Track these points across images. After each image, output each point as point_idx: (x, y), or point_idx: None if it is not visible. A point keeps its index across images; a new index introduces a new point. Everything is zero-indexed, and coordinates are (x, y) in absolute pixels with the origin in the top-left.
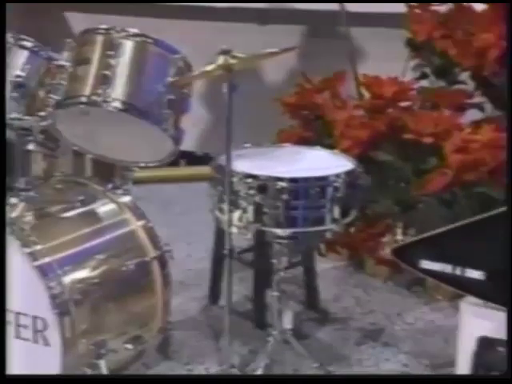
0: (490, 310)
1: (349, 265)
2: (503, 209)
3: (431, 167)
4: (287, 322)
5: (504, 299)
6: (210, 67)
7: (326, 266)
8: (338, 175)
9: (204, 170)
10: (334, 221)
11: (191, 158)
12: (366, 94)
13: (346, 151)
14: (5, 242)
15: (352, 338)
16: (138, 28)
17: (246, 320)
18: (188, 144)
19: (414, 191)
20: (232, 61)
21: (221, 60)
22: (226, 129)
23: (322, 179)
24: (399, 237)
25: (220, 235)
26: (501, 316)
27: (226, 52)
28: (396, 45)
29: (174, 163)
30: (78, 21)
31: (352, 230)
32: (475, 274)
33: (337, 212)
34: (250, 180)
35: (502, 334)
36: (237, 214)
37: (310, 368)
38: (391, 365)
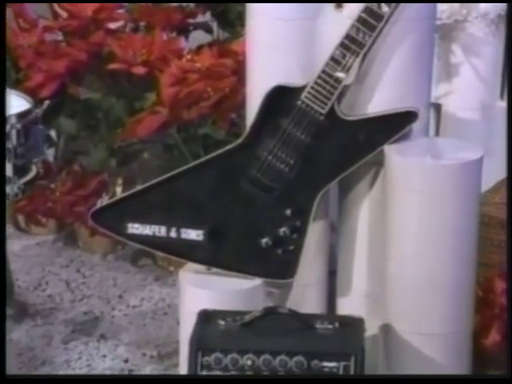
0: (213, 276)
1: (57, 239)
2: (219, 152)
3: (149, 105)
4: None
5: (228, 261)
6: None
7: (27, 244)
8: (5, 119)
9: None
10: (6, 181)
11: None
12: (64, 14)
13: (38, 87)
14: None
15: (58, 334)
16: None
17: None
18: None
19: (125, 136)
20: None
21: None
22: None
23: None
24: None
25: None
26: (226, 283)
27: None
28: None
29: None
30: None
31: (57, 192)
32: (193, 235)
33: (9, 169)
34: None
35: (225, 305)
36: None
37: None
38: (109, 362)
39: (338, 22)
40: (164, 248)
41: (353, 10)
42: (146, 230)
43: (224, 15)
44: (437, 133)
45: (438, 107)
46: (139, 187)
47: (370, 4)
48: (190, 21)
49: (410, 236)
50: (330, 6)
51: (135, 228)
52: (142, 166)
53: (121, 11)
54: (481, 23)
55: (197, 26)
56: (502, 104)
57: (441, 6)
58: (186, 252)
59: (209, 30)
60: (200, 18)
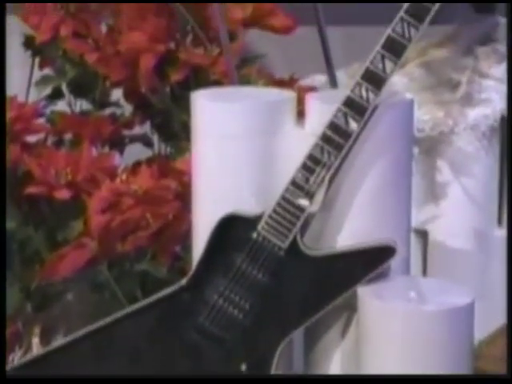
0: None
1: None
2: (159, 294)
3: (75, 236)
4: None
5: None
6: None
7: None
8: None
9: None
10: None
11: None
12: None
13: None
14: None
15: None
16: None
17: None
18: None
19: (44, 275)
20: None
21: None
22: None
23: None
24: (37, 350)
25: None
26: None
27: None
28: None
29: None
30: None
31: None
32: None
33: None
34: None
35: None
36: None
37: None
38: None
39: (300, 140)
40: None
41: (316, 127)
42: None
43: (166, 126)
44: (424, 265)
45: (423, 234)
46: (61, 340)
47: (335, 120)
48: (126, 132)
49: None
50: (290, 120)
51: None
52: (65, 312)
53: (41, 121)
54: (470, 136)
55: (133, 139)
56: (501, 232)
57: (423, 116)
58: None
59: (148, 144)
60: (137, 130)
